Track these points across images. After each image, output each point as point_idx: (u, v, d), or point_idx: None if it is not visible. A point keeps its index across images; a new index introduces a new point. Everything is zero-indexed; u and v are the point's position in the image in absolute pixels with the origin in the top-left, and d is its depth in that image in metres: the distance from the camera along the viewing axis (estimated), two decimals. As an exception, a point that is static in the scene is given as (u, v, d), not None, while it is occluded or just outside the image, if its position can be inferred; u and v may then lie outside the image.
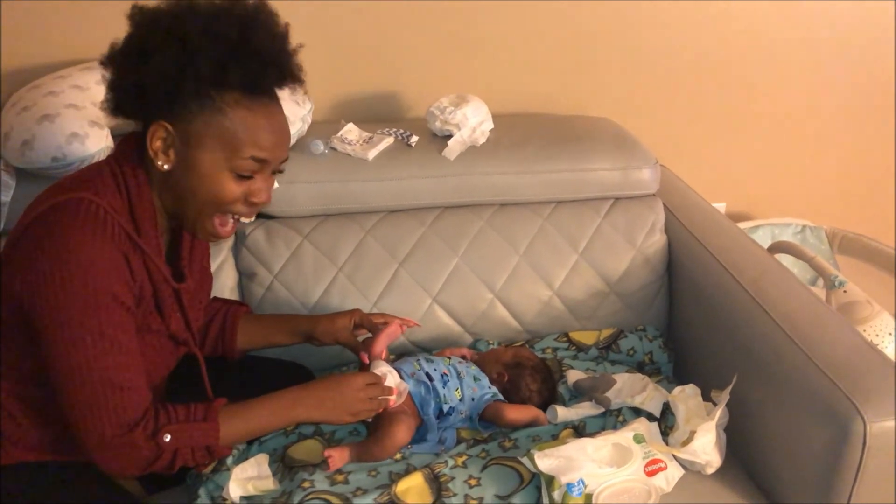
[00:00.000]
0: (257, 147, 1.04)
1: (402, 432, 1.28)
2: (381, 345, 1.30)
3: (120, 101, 1.05)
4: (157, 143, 1.02)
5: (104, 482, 1.13)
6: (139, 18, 1.01)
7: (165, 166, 1.03)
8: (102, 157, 1.47)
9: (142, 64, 0.98)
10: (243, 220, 1.12)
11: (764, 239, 2.14)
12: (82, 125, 1.47)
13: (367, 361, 1.29)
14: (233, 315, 1.36)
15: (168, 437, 1.03)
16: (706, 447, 1.26)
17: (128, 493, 1.17)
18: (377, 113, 1.88)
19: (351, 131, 1.69)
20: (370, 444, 1.28)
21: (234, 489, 1.20)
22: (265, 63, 1.02)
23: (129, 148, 1.07)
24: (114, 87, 1.04)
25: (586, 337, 1.61)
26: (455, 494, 1.21)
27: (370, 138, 1.68)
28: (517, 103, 1.94)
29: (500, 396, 1.41)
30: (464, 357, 1.49)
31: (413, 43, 1.86)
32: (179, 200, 1.07)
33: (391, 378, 1.28)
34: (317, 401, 1.18)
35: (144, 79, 0.98)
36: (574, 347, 1.60)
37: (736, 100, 2.11)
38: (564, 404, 1.43)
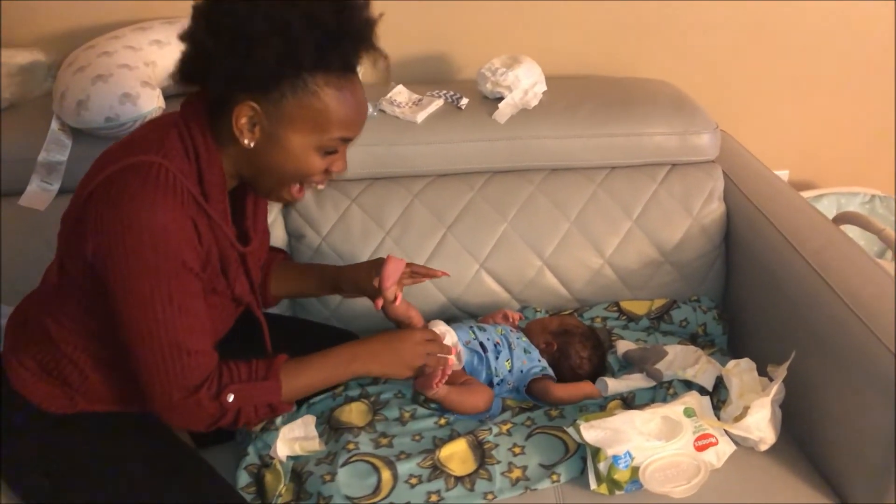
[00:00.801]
0: (345, 127, 1.04)
1: (488, 394, 1.31)
2: (388, 281, 1.25)
3: (202, 78, 1.02)
4: (243, 121, 1.01)
5: (163, 433, 1.16)
6: (233, 3, 0.98)
7: (251, 144, 1.03)
8: (154, 116, 1.48)
9: (241, 50, 0.96)
10: (318, 187, 1.13)
11: (829, 209, 2.05)
12: (134, 85, 1.47)
13: (378, 308, 1.26)
14: (269, 261, 1.36)
15: (231, 397, 1.04)
16: (760, 423, 1.22)
17: (185, 444, 1.19)
18: (427, 75, 1.84)
19: (400, 93, 1.67)
20: (460, 393, 1.28)
21: (282, 448, 1.22)
22: (357, 44, 1.02)
23: (197, 111, 1.05)
24: (196, 63, 1.01)
25: (638, 307, 1.58)
26: (499, 462, 1.20)
27: (419, 100, 1.65)
28: (571, 65, 1.88)
29: (550, 371, 1.39)
30: (506, 318, 1.46)
31: (464, 2, 1.81)
32: (259, 172, 1.07)
33: (449, 338, 1.27)
34: (374, 353, 1.19)
35: (244, 66, 0.96)
36: (624, 317, 1.57)
37: (800, 62, 2.00)
38: (614, 375, 1.41)
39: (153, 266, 0.98)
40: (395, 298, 1.26)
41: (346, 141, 1.06)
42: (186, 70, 1.04)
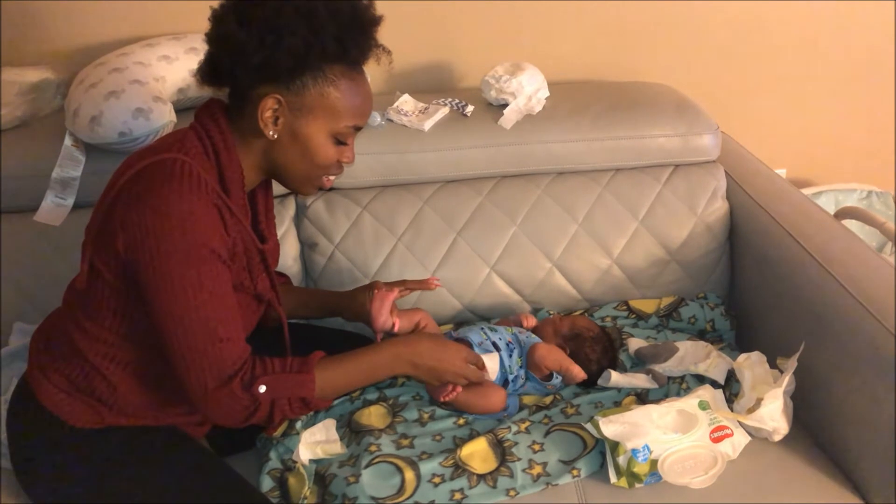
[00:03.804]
0: (358, 115, 1.11)
1: (499, 395, 1.32)
2: (379, 320, 1.28)
3: (227, 75, 1.07)
4: (268, 114, 1.06)
5: (188, 444, 1.18)
6: None
7: (275, 135, 1.08)
8: (166, 131, 1.50)
9: (271, 40, 1.01)
10: (331, 178, 1.19)
11: (827, 205, 2.08)
12: (147, 100, 1.50)
13: (379, 340, 1.29)
14: None
15: (263, 388, 1.05)
16: (774, 414, 1.25)
17: (210, 453, 1.21)
18: (432, 83, 1.88)
19: (406, 102, 1.70)
20: (473, 395, 1.30)
21: (304, 452, 1.23)
22: (369, 36, 1.08)
23: (214, 112, 1.10)
24: (223, 61, 1.06)
25: (646, 305, 1.60)
26: (519, 459, 1.22)
27: (426, 109, 1.68)
28: (572, 70, 1.92)
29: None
30: (519, 323, 1.49)
31: (466, 11, 1.84)
32: (281, 165, 1.12)
33: (491, 365, 1.30)
34: (416, 359, 1.19)
35: (273, 55, 1.02)
36: (634, 316, 1.59)
37: (794, 62, 2.04)
38: (625, 371, 1.43)
39: (183, 251, 1.00)
40: (394, 326, 1.29)
41: (357, 129, 1.13)
42: (211, 71, 1.08)
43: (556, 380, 1.39)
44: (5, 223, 1.52)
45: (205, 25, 1.08)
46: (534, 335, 1.45)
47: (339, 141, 1.11)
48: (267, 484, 1.22)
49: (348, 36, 1.05)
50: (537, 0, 1.86)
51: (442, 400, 1.29)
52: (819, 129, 2.15)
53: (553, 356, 1.38)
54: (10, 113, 1.63)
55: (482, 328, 1.40)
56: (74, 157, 1.52)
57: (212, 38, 1.06)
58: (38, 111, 1.69)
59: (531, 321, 1.50)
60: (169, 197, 1.00)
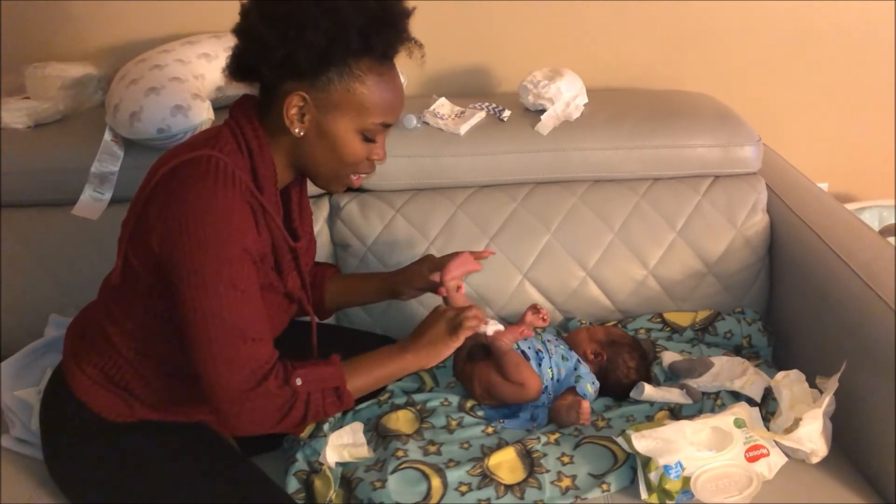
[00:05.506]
0: (386, 112, 1.08)
1: (537, 380, 1.31)
2: (453, 272, 1.26)
3: (254, 70, 1.06)
4: (293, 111, 1.05)
5: (216, 441, 1.18)
6: None
7: (301, 133, 1.06)
8: (204, 129, 1.51)
9: (293, 36, 0.99)
10: (362, 177, 1.17)
11: (871, 221, 2.03)
12: (185, 98, 1.51)
13: (443, 294, 1.27)
14: (321, 275, 1.38)
15: (300, 381, 1.04)
16: (812, 435, 1.21)
17: (237, 451, 1.21)
18: (469, 87, 1.86)
19: (443, 106, 1.69)
20: (520, 361, 1.29)
21: (331, 455, 1.23)
22: (398, 30, 1.06)
23: (246, 109, 1.09)
24: (248, 56, 1.05)
25: (681, 318, 1.57)
26: (548, 471, 1.20)
27: (462, 113, 1.67)
28: (612, 77, 1.89)
29: (584, 380, 1.36)
30: (536, 311, 1.42)
31: (505, 15, 1.83)
32: (309, 162, 1.11)
33: (493, 324, 1.23)
34: (417, 337, 1.16)
35: (295, 51, 1.00)
36: (668, 329, 1.56)
37: (838, 75, 1.99)
38: (659, 385, 1.40)
39: (215, 249, 0.99)
40: (459, 288, 1.28)
41: (386, 126, 1.10)
42: (239, 65, 1.07)
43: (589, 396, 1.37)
44: (43, 216, 1.54)
45: (245, 24, 1.07)
46: (564, 344, 1.43)
47: (368, 138, 1.09)
48: (293, 485, 1.22)
49: (373, 30, 1.02)
50: (578, 4, 1.84)
51: (483, 329, 1.20)
52: (863, 143, 2.09)
53: (573, 418, 1.31)
54: (52, 107, 1.65)
55: (512, 335, 1.38)
56: (113, 151, 1.54)
57: (238, 32, 1.06)
58: (79, 105, 1.72)
59: (544, 311, 1.41)
60: (203, 194, 1.00)
